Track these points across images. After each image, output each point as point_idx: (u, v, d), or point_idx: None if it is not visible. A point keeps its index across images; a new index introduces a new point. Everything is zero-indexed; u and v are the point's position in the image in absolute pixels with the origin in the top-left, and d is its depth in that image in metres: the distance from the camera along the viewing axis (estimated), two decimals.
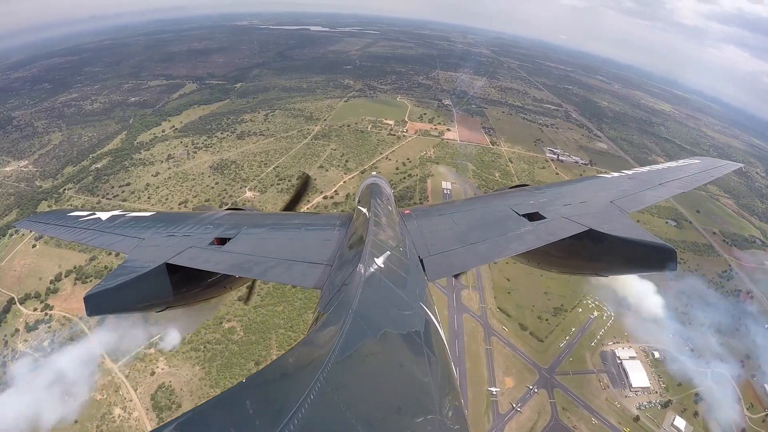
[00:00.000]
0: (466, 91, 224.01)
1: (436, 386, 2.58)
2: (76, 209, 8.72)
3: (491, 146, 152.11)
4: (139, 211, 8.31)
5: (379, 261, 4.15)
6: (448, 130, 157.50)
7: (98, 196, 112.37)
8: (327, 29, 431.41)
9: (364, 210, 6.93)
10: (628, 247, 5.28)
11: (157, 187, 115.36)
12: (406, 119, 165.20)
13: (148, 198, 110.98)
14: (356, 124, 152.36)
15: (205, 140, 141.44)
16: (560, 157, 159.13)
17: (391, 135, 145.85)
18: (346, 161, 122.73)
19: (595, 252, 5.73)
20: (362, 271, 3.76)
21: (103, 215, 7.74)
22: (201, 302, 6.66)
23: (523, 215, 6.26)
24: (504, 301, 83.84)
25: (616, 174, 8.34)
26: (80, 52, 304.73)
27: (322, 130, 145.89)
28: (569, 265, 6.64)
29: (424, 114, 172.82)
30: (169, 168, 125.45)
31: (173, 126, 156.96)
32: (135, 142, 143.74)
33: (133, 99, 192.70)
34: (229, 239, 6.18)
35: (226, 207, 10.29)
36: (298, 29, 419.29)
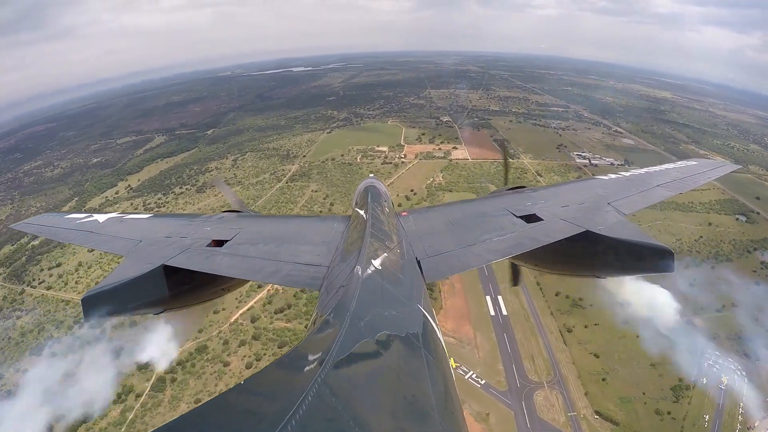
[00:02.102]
0: (464, 105, 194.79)
1: (434, 388, 2.54)
2: (73, 212, 8.88)
3: (510, 160, 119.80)
4: (136, 213, 8.16)
5: (377, 263, 4.01)
6: (455, 148, 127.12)
7: (23, 283, 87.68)
8: (309, 68, 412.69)
9: (362, 212, 6.72)
10: (625, 249, 5.12)
11: (89, 267, 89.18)
12: (402, 143, 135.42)
13: (76, 283, 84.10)
14: (342, 156, 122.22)
15: (160, 199, 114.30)
16: (592, 161, 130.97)
17: (387, 163, 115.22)
18: (331, 204, 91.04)
19: (592, 253, 5.51)
20: (360, 272, 3.60)
21: (101, 217, 7.59)
22: (199, 304, 6.48)
23: (521, 217, 6.12)
24: (601, 397, 51.86)
25: (613, 176, 8.12)
26: (60, 119, 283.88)
27: (301, 168, 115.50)
28: (566, 266, 6.47)
29: (423, 135, 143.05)
30: None
31: (129, 185, 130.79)
32: (83, 210, 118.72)
33: (95, 160, 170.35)
34: (227, 241, 6.05)
35: (224, 209, 9.18)
36: (280, 72, 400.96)
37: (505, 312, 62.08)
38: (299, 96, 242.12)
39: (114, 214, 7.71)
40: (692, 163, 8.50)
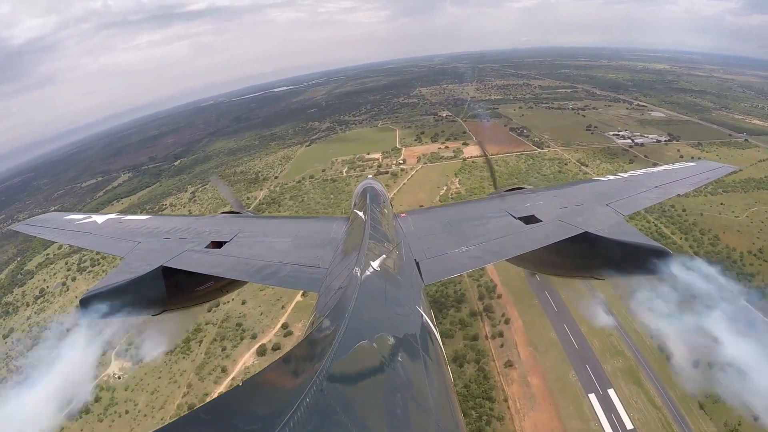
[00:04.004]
0: (462, 98, 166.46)
1: (432, 389, 2.49)
2: (72, 212, 8.28)
3: (539, 150, 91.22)
4: (135, 214, 7.98)
5: (375, 264, 3.88)
6: (465, 144, 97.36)
7: None
8: (291, 86, 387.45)
9: (360, 213, 6.49)
10: (624, 250, 4.98)
11: None
12: (399, 146, 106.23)
13: None
14: (324, 172, 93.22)
15: (97, 255, 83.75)
16: (635, 141, 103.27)
17: (383, 173, 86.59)
18: None
19: (590, 255, 5.36)
20: (358, 274, 3.47)
21: (99, 218, 7.41)
22: (198, 305, 6.35)
23: (519, 218, 5.94)
24: None
25: (611, 177, 7.90)
26: (41, 168, 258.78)
27: (271, 193, 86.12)
28: (565, 267, 6.29)
29: (422, 134, 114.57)
30: (29, 318, 74.06)
31: None
32: (20, 274, 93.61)
33: (53, 208, 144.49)
34: (226, 242, 5.90)
35: (222, 210, 8.72)
36: (262, 94, 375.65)
37: (629, 423, 31.87)
38: (278, 113, 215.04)
39: (113, 215, 7.50)
40: (691, 164, 8.24)
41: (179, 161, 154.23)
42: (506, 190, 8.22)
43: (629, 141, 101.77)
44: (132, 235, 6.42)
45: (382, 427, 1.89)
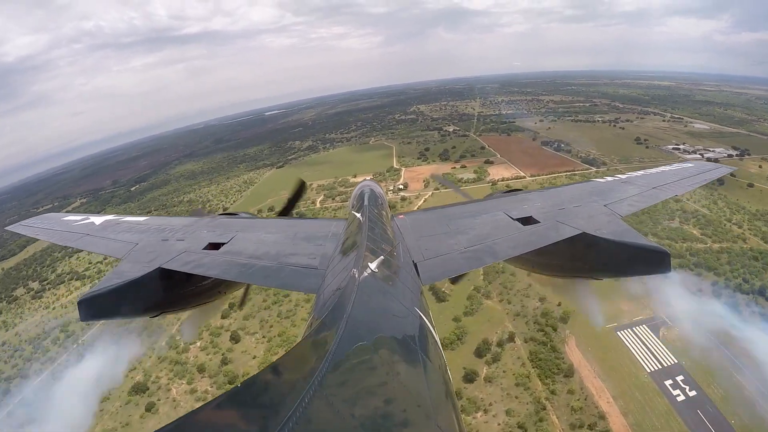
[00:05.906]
0: (468, 113, 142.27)
1: (432, 391, 2.46)
2: (70, 213, 8.05)
3: (594, 169, 65.71)
4: (133, 215, 7.79)
5: (373, 266, 3.77)
6: (489, 162, 70.33)
7: None
8: (282, 110, 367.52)
9: (358, 215, 6.25)
10: (622, 250, 4.89)
11: None
12: (396, 165, 78.79)
13: None
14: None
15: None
16: (704, 155, 79.04)
17: None
18: (263, 324, 32.89)
19: (588, 255, 5.27)
20: (356, 276, 3.37)
21: (97, 219, 7.30)
22: (195, 307, 6.31)
23: (517, 219, 5.80)
24: None
25: (609, 178, 7.62)
26: (18, 190, 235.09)
27: None
28: (563, 268, 6.18)
29: (426, 151, 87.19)
30: None
31: None
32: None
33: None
34: (224, 244, 5.73)
35: (220, 212, 8.35)
36: (252, 118, 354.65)
37: None
38: (261, 133, 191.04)
39: (111, 216, 7.38)
40: (688, 165, 7.86)
41: (136, 186, 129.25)
42: (504, 192, 7.76)
43: (698, 156, 76.79)
44: (130, 236, 6.23)
45: (380, 430, 1.85)
